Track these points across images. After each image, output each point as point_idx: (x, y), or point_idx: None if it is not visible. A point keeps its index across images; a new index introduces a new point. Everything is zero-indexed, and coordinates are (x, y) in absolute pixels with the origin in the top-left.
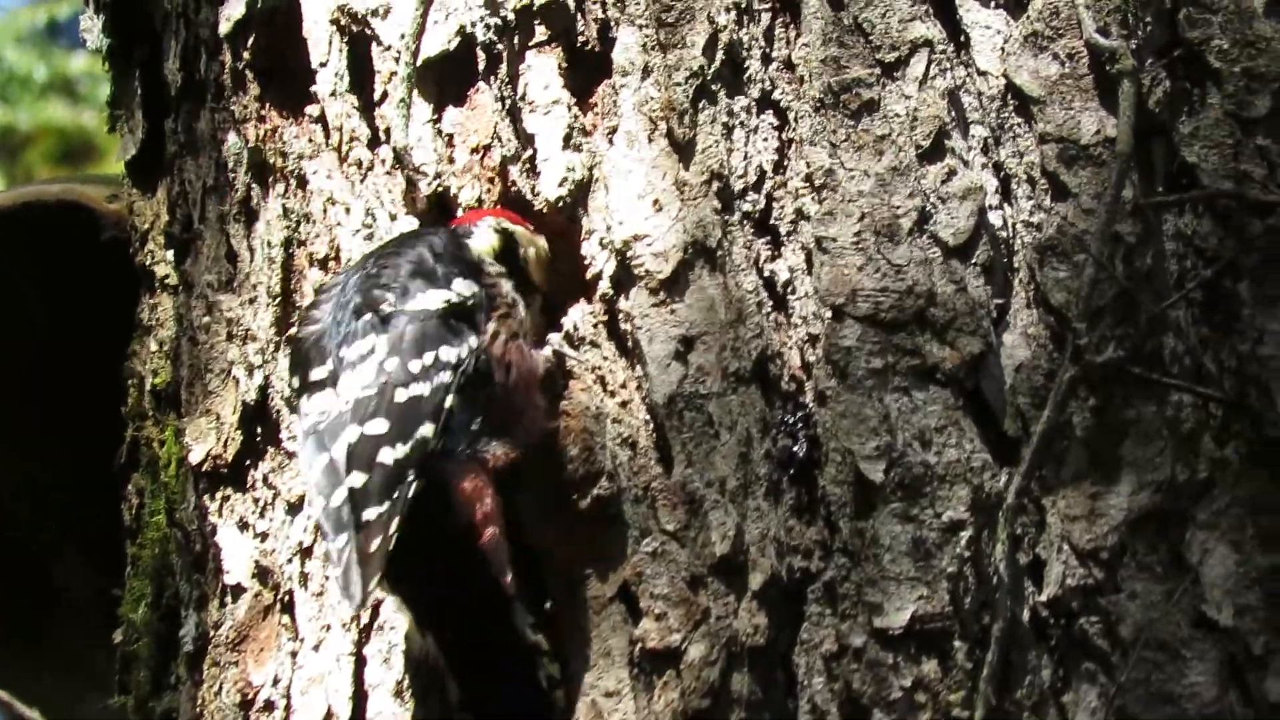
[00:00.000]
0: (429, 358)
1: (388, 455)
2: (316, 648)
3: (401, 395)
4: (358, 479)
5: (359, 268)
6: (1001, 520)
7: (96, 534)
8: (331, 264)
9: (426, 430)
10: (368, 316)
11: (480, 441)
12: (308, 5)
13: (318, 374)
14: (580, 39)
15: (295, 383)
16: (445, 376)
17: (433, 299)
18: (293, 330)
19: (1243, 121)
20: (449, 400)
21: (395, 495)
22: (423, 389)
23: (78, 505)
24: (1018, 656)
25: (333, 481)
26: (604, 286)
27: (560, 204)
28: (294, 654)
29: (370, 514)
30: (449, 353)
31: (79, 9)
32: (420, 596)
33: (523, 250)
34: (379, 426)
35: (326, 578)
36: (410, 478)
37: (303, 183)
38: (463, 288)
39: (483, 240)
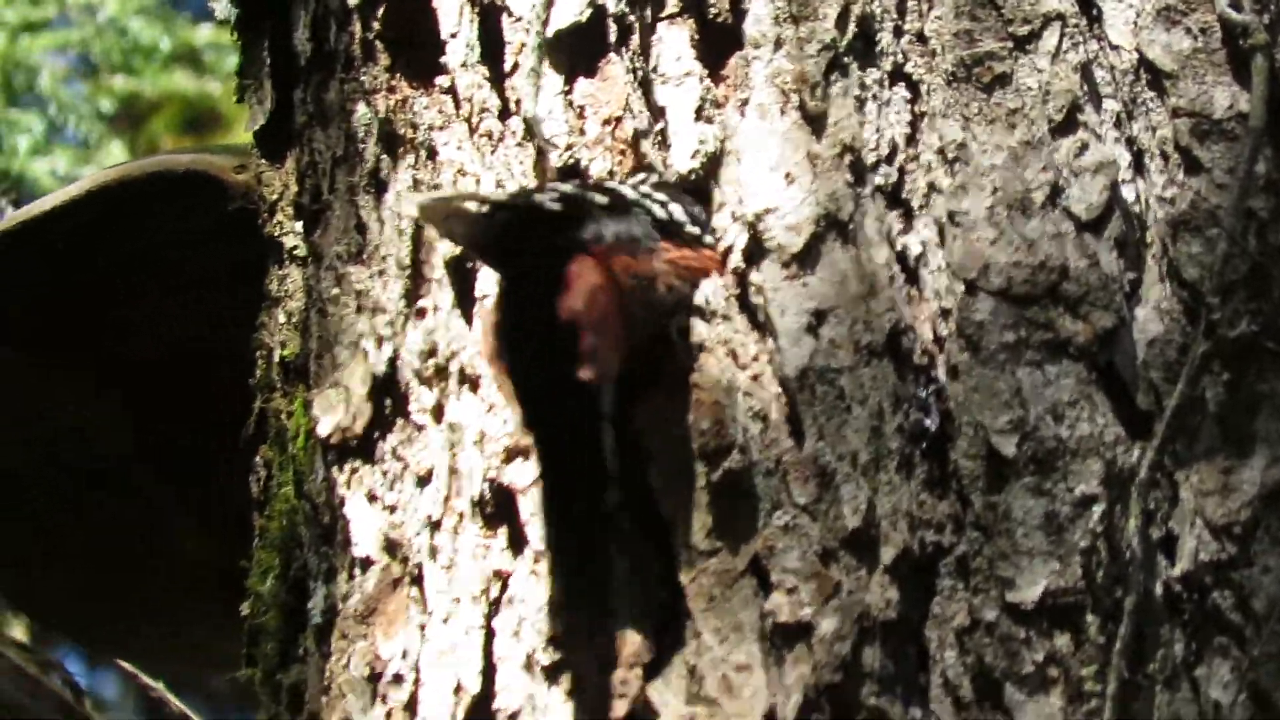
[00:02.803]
0: None
1: None
2: (446, 620)
3: None
4: None
5: None
6: (1134, 495)
7: (218, 507)
8: None
9: None
10: None
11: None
12: None
13: None
14: (712, 11)
15: None
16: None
17: None
18: None
19: None
20: None
21: None
22: None
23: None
24: (1150, 631)
25: None
26: (736, 259)
27: (692, 176)
28: (423, 627)
29: None
30: None
31: None
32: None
33: None
34: None
35: (456, 550)
36: None
37: (433, 154)
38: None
39: None
